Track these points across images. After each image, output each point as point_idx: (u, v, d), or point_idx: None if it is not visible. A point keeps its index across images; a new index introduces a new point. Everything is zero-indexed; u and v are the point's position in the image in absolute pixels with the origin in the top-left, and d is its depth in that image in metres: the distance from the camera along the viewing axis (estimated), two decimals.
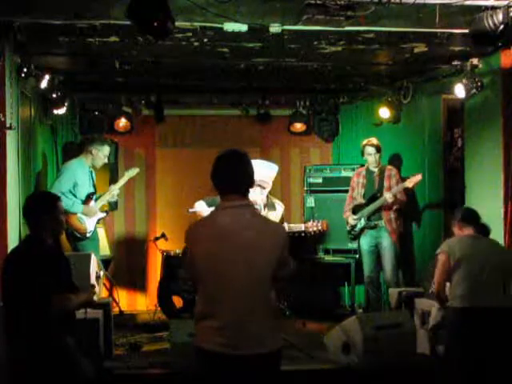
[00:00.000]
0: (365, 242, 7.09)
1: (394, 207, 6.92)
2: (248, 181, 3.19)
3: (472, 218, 4.83)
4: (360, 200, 7.14)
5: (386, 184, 7.01)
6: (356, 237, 7.12)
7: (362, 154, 7.15)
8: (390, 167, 7.17)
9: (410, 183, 6.73)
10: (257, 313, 3.06)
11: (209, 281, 3.08)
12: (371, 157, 7.07)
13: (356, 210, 7.09)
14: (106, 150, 6.78)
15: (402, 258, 7.21)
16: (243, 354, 3.02)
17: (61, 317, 3.55)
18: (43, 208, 3.73)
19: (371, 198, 7.02)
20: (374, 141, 7.11)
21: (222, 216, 3.14)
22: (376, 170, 7.14)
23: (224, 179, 3.16)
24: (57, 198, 3.90)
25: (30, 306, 3.47)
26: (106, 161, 6.84)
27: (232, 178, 3.15)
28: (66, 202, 6.39)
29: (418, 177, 6.71)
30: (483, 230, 4.81)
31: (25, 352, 3.48)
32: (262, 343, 3.05)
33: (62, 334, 3.59)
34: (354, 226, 7.09)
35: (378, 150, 7.09)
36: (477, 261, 4.60)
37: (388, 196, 6.83)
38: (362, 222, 7.02)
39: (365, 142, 7.13)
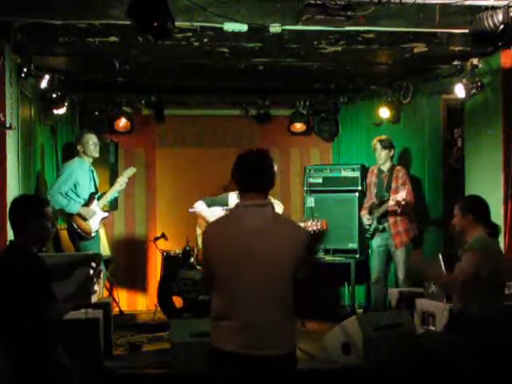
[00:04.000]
0: (375, 242, 7.08)
1: (399, 212, 6.80)
2: (271, 180, 3.15)
3: (487, 214, 4.35)
4: (374, 199, 7.13)
5: (393, 185, 6.93)
6: (372, 236, 7.09)
7: (374, 150, 7.14)
8: (398, 168, 7.07)
9: (400, 197, 6.57)
10: (274, 314, 3.03)
11: (226, 280, 3.03)
12: (376, 152, 7.04)
13: (372, 209, 7.07)
14: (89, 137, 6.74)
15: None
16: (262, 355, 2.98)
17: (50, 326, 3.46)
18: (28, 212, 3.52)
19: (381, 200, 6.99)
20: (383, 137, 7.08)
21: (242, 215, 3.09)
22: (385, 169, 7.09)
23: (246, 178, 3.11)
24: (44, 202, 3.67)
25: (17, 317, 3.37)
26: (97, 147, 6.77)
27: (255, 177, 3.10)
28: (62, 202, 6.46)
29: (403, 194, 6.51)
30: (495, 231, 4.38)
31: (16, 362, 3.38)
32: (279, 344, 3.02)
33: (52, 343, 3.50)
34: (369, 226, 7.07)
35: (385, 146, 7.01)
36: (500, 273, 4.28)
37: (391, 204, 6.76)
38: (375, 224, 7.02)
39: (376, 138, 7.12)
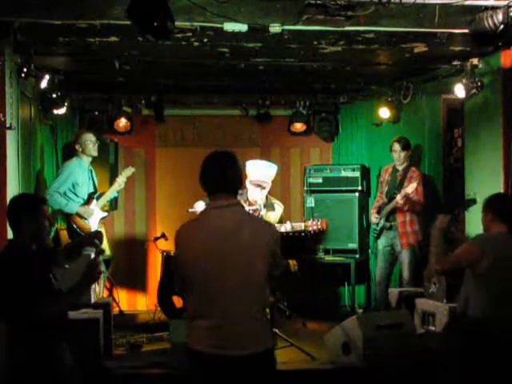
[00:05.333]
0: (380, 242, 7.09)
1: (406, 209, 6.83)
2: (237, 180, 3.21)
3: (508, 212, 4.17)
4: (384, 198, 7.14)
5: (406, 185, 6.89)
6: (378, 235, 7.10)
7: (390, 149, 7.11)
8: (413, 169, 7.05)
9: (410, 189, 6.64)
10: (248, 313, 3.05)
11: (199, 281, 3.07)
12: (396, 154, 7.02)
13: (382, 208, 7.08)
14: (87, 136, 6.76)
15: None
16: (234, 355, 3.00)
17: (53, 322, 3.45)
18: (24, 211, 3.51)
19: (390, 198, 6.99)
20: (402, 138, 7.06)
21: (212, 216, 3.14)
22: (400, 168, 7.09)
23: (213, 179, 3.18)
24: (41, 201, 3.66)
25: (13, 313, 3.37)
26: (95, 145, 6.77)
27: (221, 178, 3.16)
28: (61, 201, 6.47)
29: (414, 185, 6.60)
30: None
31: (16, 359, 3.38)
32: (253, 343, 3.04)
33: (56, 339, 3.50)
34: (377, 225, 7.08)
35: (405, 148, 7.00)
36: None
37: (398, 198, 6.79)
38: (382, 222, 7.02)
39: (394, 138, 7.09)
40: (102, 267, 6.31)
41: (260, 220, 3.39)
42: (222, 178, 3.16)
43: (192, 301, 3.12)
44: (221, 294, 3.03)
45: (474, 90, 6.14)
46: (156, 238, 7.45)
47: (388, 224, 6.96)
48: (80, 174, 6.67)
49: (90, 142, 6.73)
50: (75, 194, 6.61)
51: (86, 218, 6.61)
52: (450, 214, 4.42)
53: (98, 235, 3.94)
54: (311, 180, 7.98)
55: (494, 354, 3.93)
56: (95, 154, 6.80)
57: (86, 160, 6.76)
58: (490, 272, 3.98)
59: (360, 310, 7.66)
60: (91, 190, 6.79)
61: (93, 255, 3.87)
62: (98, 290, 6.04)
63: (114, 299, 7.03)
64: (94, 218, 6.68)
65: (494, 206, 4.19)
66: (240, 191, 6.06)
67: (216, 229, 3.08)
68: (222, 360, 3.00)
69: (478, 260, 4.01)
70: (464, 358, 4.05)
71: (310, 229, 6.12)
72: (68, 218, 6.63)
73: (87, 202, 6.68)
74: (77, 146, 6.75)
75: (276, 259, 3.14)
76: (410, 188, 6.62)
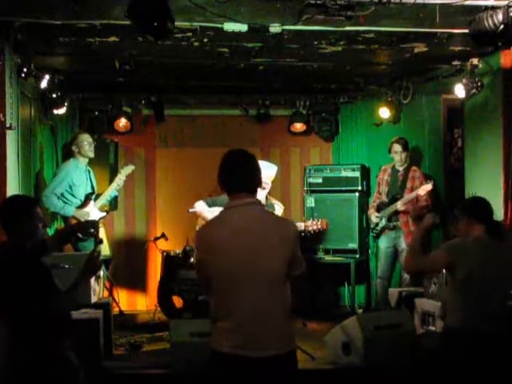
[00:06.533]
0: (383, 242, 7.09)
1: (411, 213, 6.81)
2: (256, 179, 3.18)
3: (484, 213, 4.04)
4: (384, 198, 7.14)
5: (408, 185, 6.95)
6: (378, 235, 7.11)
7: (389, 151, 7.12)
8: (414, 168, 7.08)
9: (422, 191, 6.66)
10: (271, 313, 3.01)
11: (222, 281, 3.02)
12: (397, 155, 7.04)
13: (381, 207, 7.08)
14: (83, 137, 6.79)
15: None
16: (258, 356, 2.96)
17: (55, 321, 3.42)
18: (17, 212, 3.48)
19: (392, 198, 6.99)
20: (401, 139, 7.08)
21: (233, 215, 3.11)
22: (401, 169, 7.10)
23: (238, 177, 3.13)
24: (33, 202, 3.63)
25: (15, 313, 3.34)
26: (92, 146, 6.79)
27: (241, 177, 3.12)
28: (57, 204, 6.48)
29: (429, 186, 6.64)
30: (497, 229, 4.01)
31: (17, 360, 3.35)
32: (277, 344, 3.00)
33: (58, 339, 3.49)
34: (376, 224, 7.08)
35: (405, 148, 7.04)
36: (491, 278, 3.87)
37: (399, 204, 6.81)
38: (383, 222, 7.01)
39: (393, 139, 7.10)
40: (102, 268, 6.32)
41: (282, 219, 3.35)
42: (248, 177, 3.13)
43: (216, 302, 3.07)
44: (245, 294, 2.99)
45: (474, 90, 6.14)
46: (156, 238, 7.46)
47: (391, 224, 6.96)
48: (77, 174, 6.67)
49: (87, 143, 6.74)
50: (72, 195, 6.61)
51: (81, 221, 6.59)
52: (437, 214, 4.31)
53: (92, 224, 3.90)
54: (311, 180, 7.99)
55: (481, 354, 3.83)
56: (92, 155, 6.81)
57: (82, 161, 6.77)
58: (468, 278, 3.85)
59: (360, 310, 7.66)
60: (89, 190, 6.79)
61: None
62: (98, 290, 6.04)
63: (113, 299, 7.02)
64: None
65: (467, 209, 4.08)
66: None
67: (240, 228, 3.05)
68: (245, 361, 2.96)
69: (448, 268, 3.92)
70: (458, 360, 4.01)
71: (310, 229, 6.13)
72: (65, 219, 6.64)
73: (84, 202, 6.67)
74: (73, 147, 6.76)
75: (297, 258, 3.11)
76: (422, 190, 6.63)
